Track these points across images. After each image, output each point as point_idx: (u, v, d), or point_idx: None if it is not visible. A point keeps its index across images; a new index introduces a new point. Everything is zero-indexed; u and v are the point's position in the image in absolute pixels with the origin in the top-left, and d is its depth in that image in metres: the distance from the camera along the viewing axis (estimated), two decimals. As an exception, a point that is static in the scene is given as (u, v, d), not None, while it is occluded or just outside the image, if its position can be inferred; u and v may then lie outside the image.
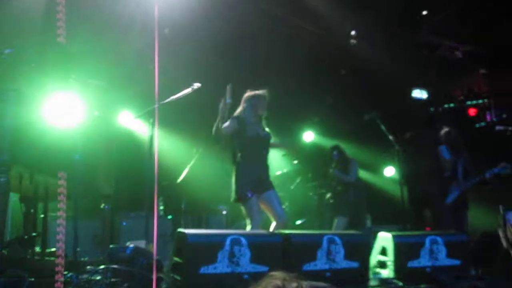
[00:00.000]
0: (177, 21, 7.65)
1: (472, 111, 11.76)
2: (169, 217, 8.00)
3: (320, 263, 4.70)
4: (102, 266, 4.72)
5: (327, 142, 9.14)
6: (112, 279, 4.53)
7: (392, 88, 10.12)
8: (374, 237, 5.65)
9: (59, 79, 4.61)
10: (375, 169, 10.41)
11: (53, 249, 5.38)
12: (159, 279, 4.36)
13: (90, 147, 5.77)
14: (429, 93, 11.07)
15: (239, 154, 5.59)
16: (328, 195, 8.03)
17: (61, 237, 4.20)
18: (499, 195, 6.58)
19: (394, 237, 5.27)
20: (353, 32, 9.79)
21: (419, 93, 11.06)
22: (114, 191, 8.15)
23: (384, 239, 5.36)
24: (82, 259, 5.77)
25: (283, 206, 6.31)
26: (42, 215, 6.04)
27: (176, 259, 4.39)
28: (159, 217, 7.94)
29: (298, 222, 8.80)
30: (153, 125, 5.66)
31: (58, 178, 4.23)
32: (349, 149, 8.15)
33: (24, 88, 4.63)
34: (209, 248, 4.33)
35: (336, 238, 4.84)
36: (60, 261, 4.15)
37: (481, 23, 9.66)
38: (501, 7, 9.05)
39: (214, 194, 8.61)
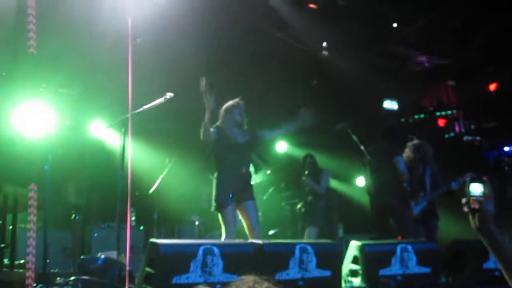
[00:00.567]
0: (151, 31, 7.64)
1: (441, 122, 11.98)
2: (141, 228, 7.94)
3: (292, 272, 4.71)
4: (72, 278, 4.65)
5: (300, 153, 9.18)
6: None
7: (364, 99, 10.25)
8: (346, 246, 5.70)
9: (29, 88, 4.55)
10: (347, 179, 10.49)
11: (22, 261, 5.28)
12: (131, 290, 4.32)
13: (60, 157, 5.72)
14: (399, 104, 11.22)
15: (219, 163, 5.64)
16: (300, 205, 8.09)
17: (31, 249, 4.14)
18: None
19: (364, 246, 5.33)
20: (324, 44, 9.92)
21: (390, 104, 11.20)
22: (85, 202, 8.06)
23: (356, 248, 5.41)
24: (52, 270, 5.68)
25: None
26: (10, 227, 5.93)
27: (148, 269, 4.35)
28: (130, 228, 7.88)
29: (271, 232, 8.82)
30: (125, 134, 5.63)
31: (27, 189, 4.17)
32: (322, 159, 8.22)
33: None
34: (181, 258, 4.31)
35: (308, 247, 4.86)
36: (30, 274, 4.09)
37: (450, 36, 9.87)
38: (468, 21, 9.28)
39: (186, 204, 8.58)
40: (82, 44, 7.56)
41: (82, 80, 7.37)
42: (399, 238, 7.13)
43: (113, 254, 5.29)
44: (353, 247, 5.46)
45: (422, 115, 12.00)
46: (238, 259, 4.51)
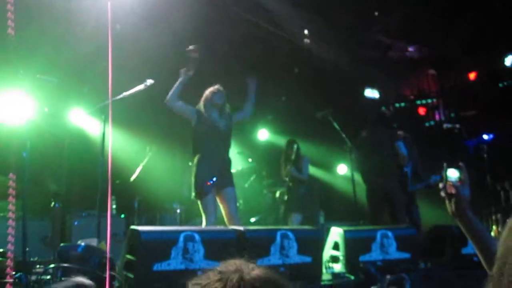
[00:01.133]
0: (132, 17, 7.57)
1: (421, 110, 12.10)
2: (122, 216, 7.90)
3: (273, 258, 4.74)
4: (52, 265, 4.62)
5: (281, 140, 9.20)
6: (63, 278, 4.43)
7: (345, 87, 10.29)
8: (327, 233, 5.74)
9: (8, 74, 4.49)
10: (328, 167, 10.55)
11: (1, 250, 5.23)
12: (112, 277, 4.30)
13: (39, 144, 5.65)
14: (380, 92, 11.30)
15: (198, 148, 5.63)
16: (279, 191, 8.09)
17: (10, 238, 4.10)
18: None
19: (345, 232, 5.37)
20: (306, 31, 9.91)
21: (371, 93, 11.28)
22: (65, 190, 8.00)
23: (336, 234, 5.45)
24: (32, 259, 5.63)
25: (237, 204, 6.34)
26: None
27: (129, 256, 4.35)
28: (112, 216, 7.83)
29: (253, 219, 8.84)
30: (105, 121, 5.59)
31: (6, 177, 4.12)
32: (303, 147, 8.24)
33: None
34: (162, 245, 4.31)
35: (290, 233, 4.89)
36: (9, 262, 4.05)
37: (431, 25, 9.93)
38: (450, 10, 9.33)
39: (167, 192, 8.57)
40: (62, 31, 7.47)
41: (62, 67, 7.28)
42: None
43: (93, 242, 5.26)
44: (334, 233, 5.51)
45: (402, 104, 12.10)
46: (219, 246, 4.52)
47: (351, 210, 7.57)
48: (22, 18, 4.31)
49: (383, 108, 11.00)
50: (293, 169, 7.72)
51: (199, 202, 5.52)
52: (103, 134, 5.61)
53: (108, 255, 4.44)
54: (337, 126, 6.97)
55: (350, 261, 5.25)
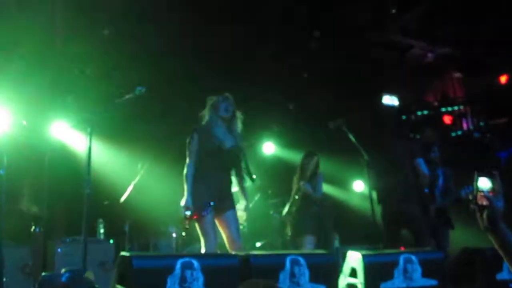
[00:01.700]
0: (121, 21, 7.64)
1: (447, 119, 12.04)
2: (111, 241, 7.86)
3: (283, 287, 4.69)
4: (32, 298, 4.60)
5: (289, 154, 9.18)
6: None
7: (360, 94, 10.27)
8: (342, 258, 5.69)
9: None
10: (343, 183, 10.52)
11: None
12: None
13: (17, 161, 5.64)
14: (400, 99, 11.28)
15: (197, 168, 5.52)
16: (286, 210, 8.01)
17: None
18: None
19: (364, 256, 5.31)
20: (316, 33, 9.91)
21: (390, 100, 11.25)
22: (46, 212, 7.97)
23: (354, 259, 5.39)
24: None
25: (241, 227, 6.28)
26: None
27: (119, 287, 4.31)
28: (99, 242, 7.82)
29: (258, 244, 8.79)
30: (91, 135, 5.57)
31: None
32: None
33: None
34: (157, 274, 4.26)
35: (300, 259, 4.84)
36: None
37: (455, 22, 9.92)
38: (476, 5, 9.32)
39: (162, 214, 8.53)
40: (40, 36, 7.50)
41: (42, 74, 7.30)
42: (402, 248, 7.17)
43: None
44: (351, 258, 5.44)
45: (425, 112, 12.06)
46: (221, 273, 4.48)
47: (370, 232, 7.50)
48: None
49: (403, 117, 10.99)
50: (308, 185, 7.60)
51: (197, 225, 5.46)
52: (89, 149, 5.58)
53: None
54: (352, 138, 6.93)
55: (370, 289, 5.19)
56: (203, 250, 5.37)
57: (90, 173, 5.41)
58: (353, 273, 5.35)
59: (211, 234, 5.39)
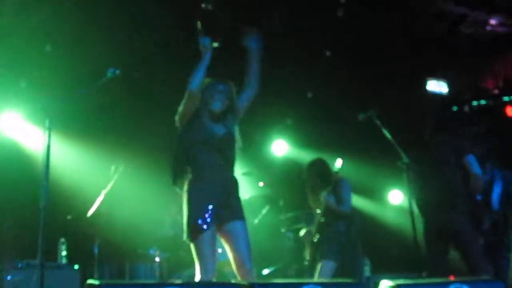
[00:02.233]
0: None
1: (510, 110, 12.02)
2: (75, 267, 7.89)
3: (297, 326, 4.69)
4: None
5: (306, 155, 9.17)
6: None
7: (399, 78, 10.26)
8: (374, 288, 5.70)
9: None
10: (376, 194, 10.52)
11: None
12: None
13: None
14: (450, 85, 11.28)
15: (189, 170, 5.52)
16: (306, 229, 7.99)
17: None
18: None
19: (401, 287, 5.30)
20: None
21: (437, 86, 11.25)
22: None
23: (389, 290, 5.39)
24: None
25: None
26: None
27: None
28: (60, 267, 7.84)
29: (266, 271, 8.81)
30: (50, 130, 5.58)
31: None
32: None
33: None
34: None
35: (320, 290, 4.84)
36: None
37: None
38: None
39: (142, 232, 8.56)
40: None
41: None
42: (452, 277, 7.16)
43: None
44: (385, 289, 5.44)
45: (483, 101, 12.05)
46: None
47: (410, 256, 7.49)
48: None
49: (454, 108, 10.99)
50: (330, 196, 7.57)
51: (191, 245, 5.43)
52: (48, 148, 5.59)
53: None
54: (388, 134, 6.91)
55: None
56: (196, 277, 5.36)
57: (49, 178, 5.42)
58: (388, 308, 5.35)
59: (209, 256, 5.35)
